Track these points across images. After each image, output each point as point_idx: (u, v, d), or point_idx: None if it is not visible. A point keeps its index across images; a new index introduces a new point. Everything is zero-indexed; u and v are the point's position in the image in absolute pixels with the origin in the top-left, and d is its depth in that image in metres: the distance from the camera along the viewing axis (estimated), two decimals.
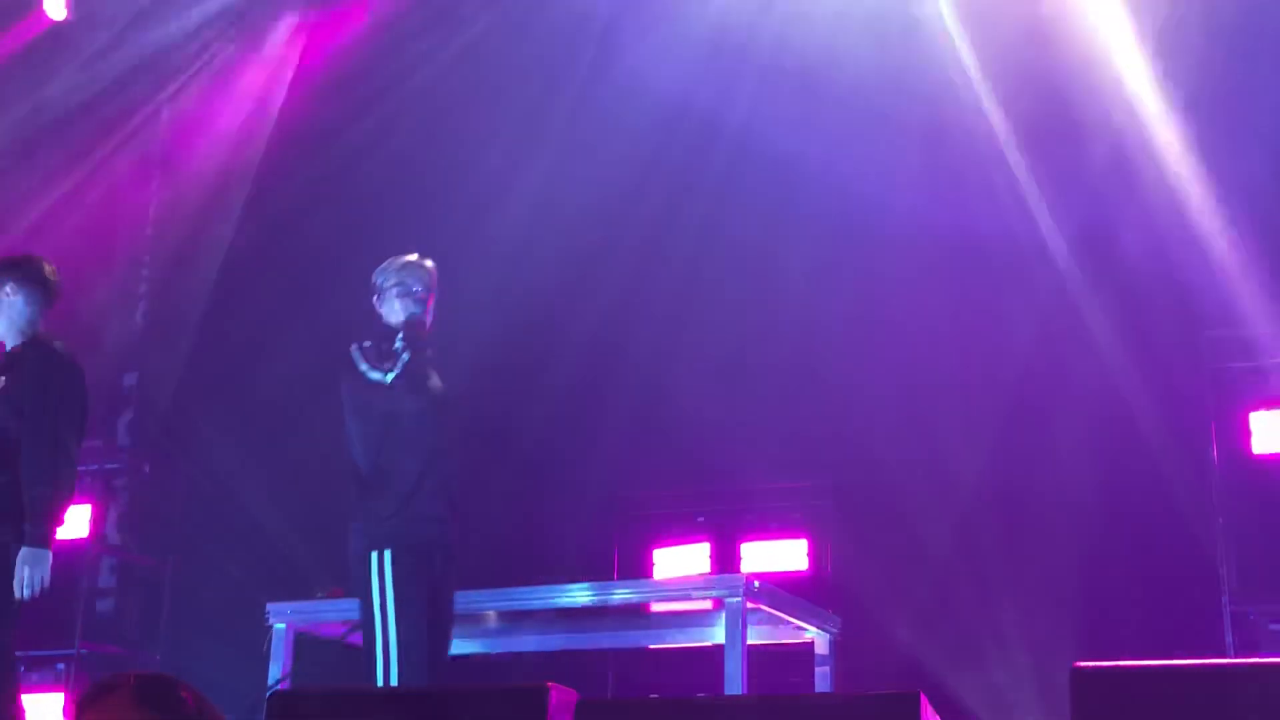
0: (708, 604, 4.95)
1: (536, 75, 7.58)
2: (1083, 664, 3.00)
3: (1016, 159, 6.58)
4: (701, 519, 7.11)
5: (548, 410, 7.21)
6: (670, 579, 6.38)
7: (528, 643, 5.40)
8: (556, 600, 4.95)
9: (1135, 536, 6.12)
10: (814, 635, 5.20)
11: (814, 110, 6.80)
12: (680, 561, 7.10)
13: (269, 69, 8.16)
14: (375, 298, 4.92)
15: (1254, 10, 6.24)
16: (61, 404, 4.65)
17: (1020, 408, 6.30)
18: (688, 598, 5.03)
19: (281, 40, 8.14)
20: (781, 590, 5.01)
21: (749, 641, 4.67)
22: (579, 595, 4.90)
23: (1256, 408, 5.97)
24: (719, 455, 6.89)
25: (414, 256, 4.93)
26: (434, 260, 4.80)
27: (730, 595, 4.68)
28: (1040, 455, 6.25)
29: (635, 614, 5.22)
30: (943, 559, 6.32)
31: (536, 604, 5.01)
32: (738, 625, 4.63)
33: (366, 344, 4.74)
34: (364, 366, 4.68)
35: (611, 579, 6.51)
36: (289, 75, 8.11)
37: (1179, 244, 6.28)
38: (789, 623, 5.07)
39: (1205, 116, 6.33)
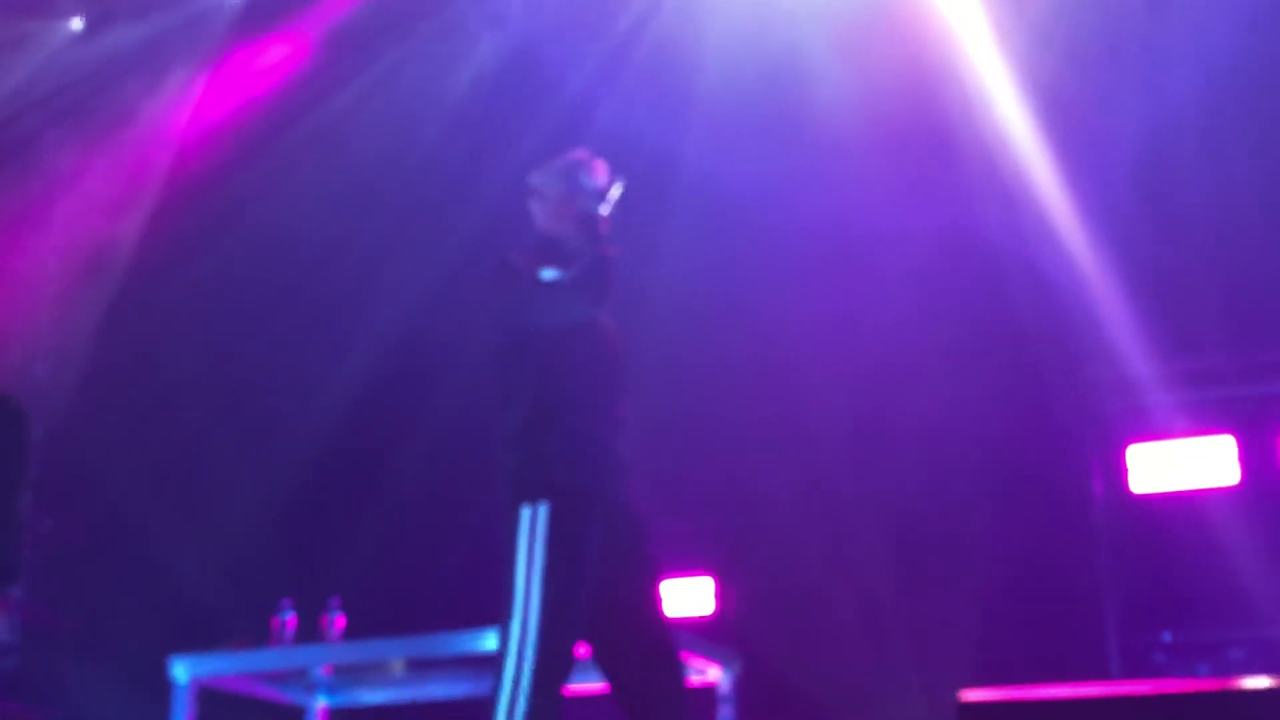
0: None
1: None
2: (969, 694, 3.14)
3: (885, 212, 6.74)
4: None
5: (453, 452, 7.24)
6: None
7: (438, 690, 5.43)
8: (466, 647, 4.99)
9: (1023, 572, 6.32)
10: (716, 675, 5.30)
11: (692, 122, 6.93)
12: None
13: (169, 112, 8.13)
14: (536, 204, 4.10)
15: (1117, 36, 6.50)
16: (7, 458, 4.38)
17: (910, 448, 6.48)
18: None
19: (183, 81, 8.11)
20: (684, 631, 5.10)
21: None
22: (489, 641, 4.94)
23: (1133, 443, 6.24)
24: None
25: (583, 153, 4.17)
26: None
27: None
28: (930, 493, 6.43)
29: None
30: (840, 598, 6.47)
31: (446, 651, 5.04)
32: None
33: (526, 247, 3.91)
34: (534, 269, 3.81)
35: None
36: (190, 118, 8.08)
37: (1060, 282, 6.52)
38: (691, 663, 5.16)
39: (1078, 151, 6.58)
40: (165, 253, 7.86)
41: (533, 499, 3.68)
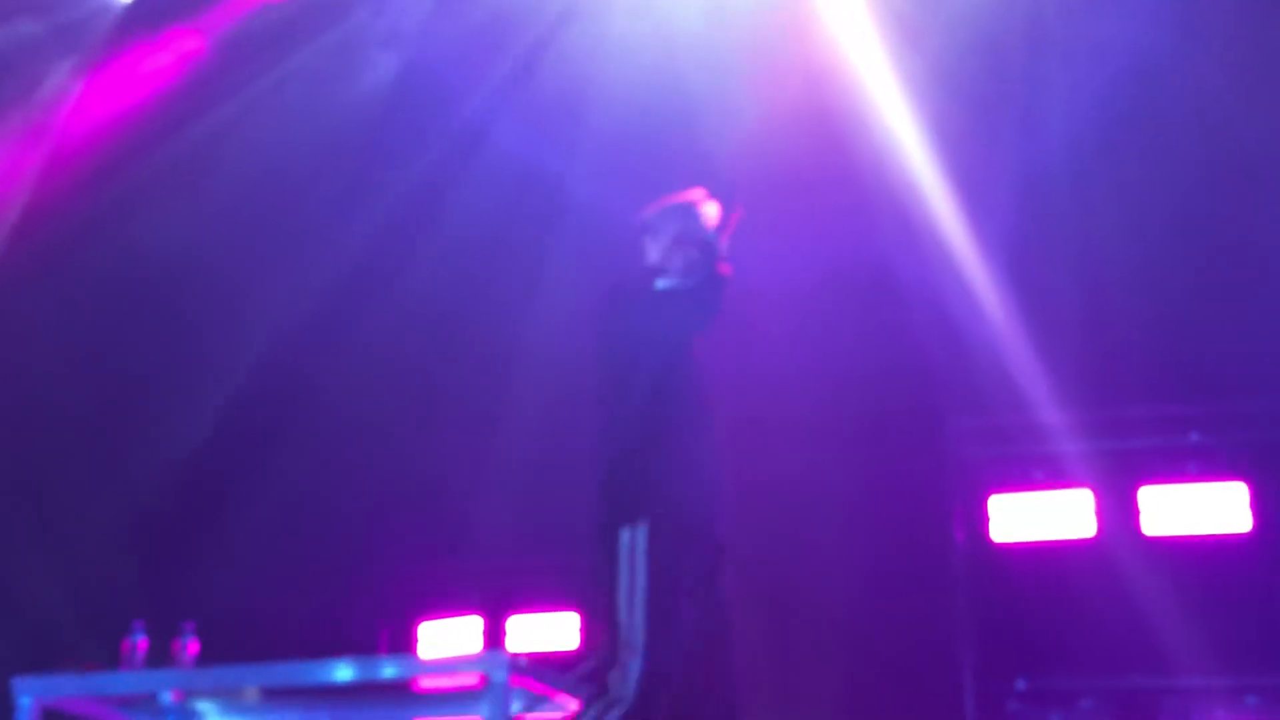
0: (474, 680, 4.98)
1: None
2: None
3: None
4: (470, 592, 7.13)
5: (316, 475, 7.16)
6: (435, 657, 6.38)
7: None
8: (321, 677, 4.91)
9: (883, 617, 6.40)
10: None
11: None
12: (449, 635, 7.11)
13: (46, 115, 7.94)
14: (650, 241, 4.22)
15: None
16: None
17: (774, 492, 6.52)
18: (452, 674, 5.06)
19: (63, 84, 7.92)
20: (547, 666, 5.07)
21: (517, 717, 4.73)
22: (341, 671, 4.87)
23: (996, 493, 6.37)
24: (489, 529, 6.94)
25: (698, 193, 4.29)
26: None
27: (495, 671, 4.72)
28: (793, 539, 6.49)
29: (399, 691, 5.21)
30: None
31: (300, 680, 4.96)
32: (502, 703, 4.68)
33: (638, 272, 4.01)
34: (648, 284, 3.98)
35: (378, 653, 6.48)
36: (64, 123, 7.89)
37: (926, 333, 6.64)
38: (555, 699, 5.14)
39: (962, 205, 6.70)
40: (27, 259, 7.65)
41: (631, 522, 3.72)
